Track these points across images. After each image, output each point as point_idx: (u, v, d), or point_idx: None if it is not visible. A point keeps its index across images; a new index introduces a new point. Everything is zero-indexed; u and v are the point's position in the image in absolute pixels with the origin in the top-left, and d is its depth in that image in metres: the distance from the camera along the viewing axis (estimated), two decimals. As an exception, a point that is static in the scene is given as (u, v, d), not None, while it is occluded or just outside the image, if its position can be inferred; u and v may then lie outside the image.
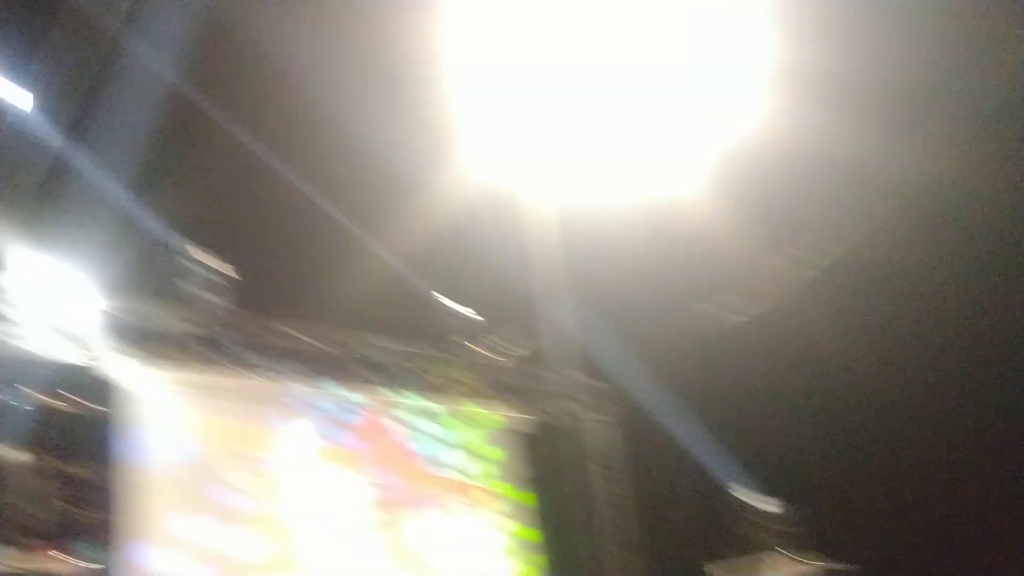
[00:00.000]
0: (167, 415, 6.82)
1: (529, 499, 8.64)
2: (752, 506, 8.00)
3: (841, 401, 8.61)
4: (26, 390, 7.41)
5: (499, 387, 8.82)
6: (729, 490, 8.32)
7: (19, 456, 5.92)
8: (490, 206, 9.48)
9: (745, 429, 8.82)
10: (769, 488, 8.41)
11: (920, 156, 7.55)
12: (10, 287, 6.23)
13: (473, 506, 8.24)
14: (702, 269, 9.29)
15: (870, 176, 8.22)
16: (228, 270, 7.52)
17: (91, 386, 7.28)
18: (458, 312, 8.84)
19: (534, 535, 8.47)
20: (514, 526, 8.43)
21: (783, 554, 7.54)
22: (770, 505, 8.08)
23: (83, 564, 5.15)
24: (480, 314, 9.14)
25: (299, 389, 7.57)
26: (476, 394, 8.66)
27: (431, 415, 8.34)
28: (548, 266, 9.64)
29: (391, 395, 8.11)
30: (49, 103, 8.51)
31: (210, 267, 7.35)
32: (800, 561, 7.62)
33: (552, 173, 8.82)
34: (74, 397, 7.24)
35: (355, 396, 7.89)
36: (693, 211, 9.11)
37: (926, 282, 7.90)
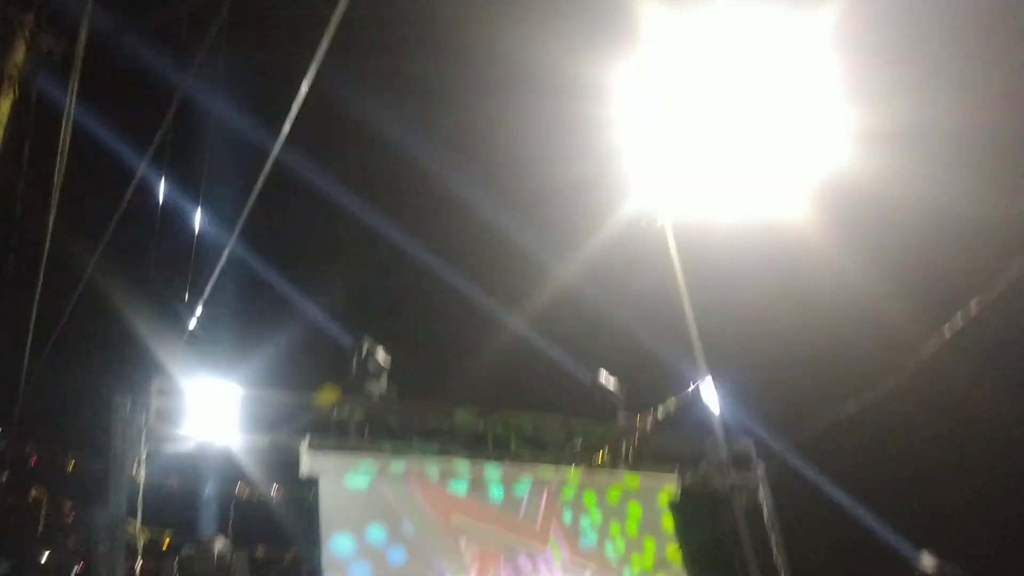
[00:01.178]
0: (350, 500, 7.26)
1: (685, 564, 8.73)
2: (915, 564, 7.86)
3: (994, 457, 8.46)
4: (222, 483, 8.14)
5: (650, 455, 8.99)
6: (885, 545, 8.19)
7: (228, 544, 6.38)
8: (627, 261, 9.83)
9: (895, 488, 8.78)
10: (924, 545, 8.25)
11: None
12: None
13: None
14: (839, 328, 9.35)
15: (995, 231, 8.22)
16: (388, 358, 7.99)
17: (281, 476, 7.91)
18: (607, 382, 9.10)
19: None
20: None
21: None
22: (931, 563, 7.90)
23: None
24: (621, 377, 9.38)
25: (465, 467, 7.92)
26: (630, 463, 8.85)
27: (589, 488, 8.58)
28: (685, 324, 9.92)
29: (551, 471, 8.37)
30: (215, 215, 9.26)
31: (375, 356, 7.83)
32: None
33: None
34: (269, 486, 7.89)
35: (518, 473, 8.18)
36: (825, 264, 9.28)
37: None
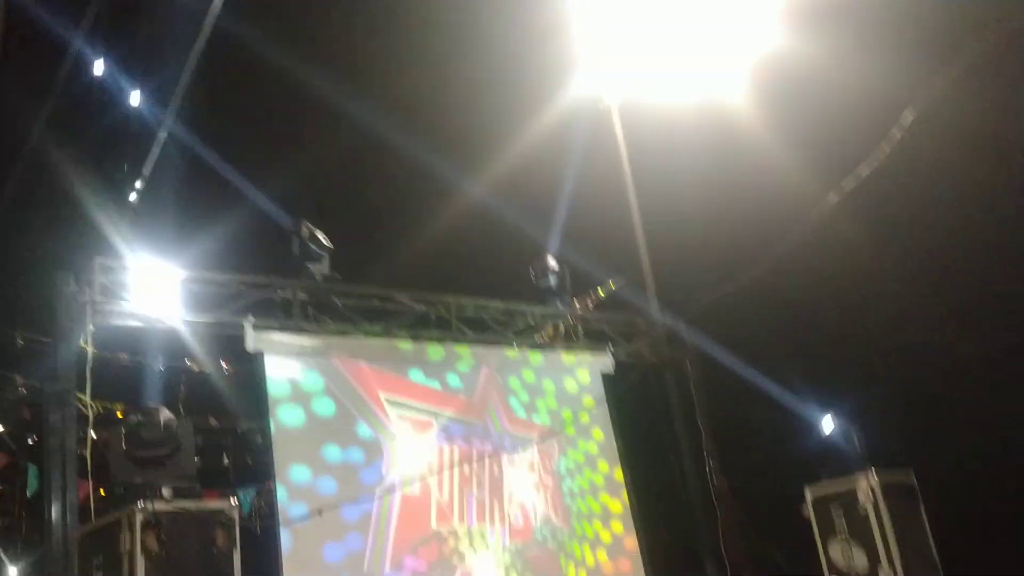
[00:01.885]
0: (289, 374, 7.63)
1: (616, 439, 9.34)
2: (833, 428, 8.47)
3: (890, 313, 8.92)
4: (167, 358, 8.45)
5: (584, 332, 9.46)
6: (808, 417, 8.78)
7: (176, 415, 6.72)
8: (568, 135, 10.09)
9: (811, 355, 9.34)
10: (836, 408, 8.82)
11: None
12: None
13: (564, 448, 8.98)
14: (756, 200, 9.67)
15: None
16: (328, 239, 8.21)
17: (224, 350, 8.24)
18: (546, 265, 9.47)
19: (620, 474, 9.18)
20: (604, 465, 9.15)
21: (872, 471, 8.00)
22: (845, 424, 8.50)
23: (236, 504, 5.92)
24: (561, 260, 9.76)
25: (405, 348, 8.30)
26: (564, 340, 9.32)
27: (524, 364, 9.05)
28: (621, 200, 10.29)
29: (492, 351, 8.80)
30: (154, 91, 9.26)
31: (317, 238, 8.06)
32: (890, 475, 8.06)
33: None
34: (210, 360, 8.22)
35: (456, 351, 8.60)
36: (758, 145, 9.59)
37: (951, 191, 8.21)
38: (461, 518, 7.96)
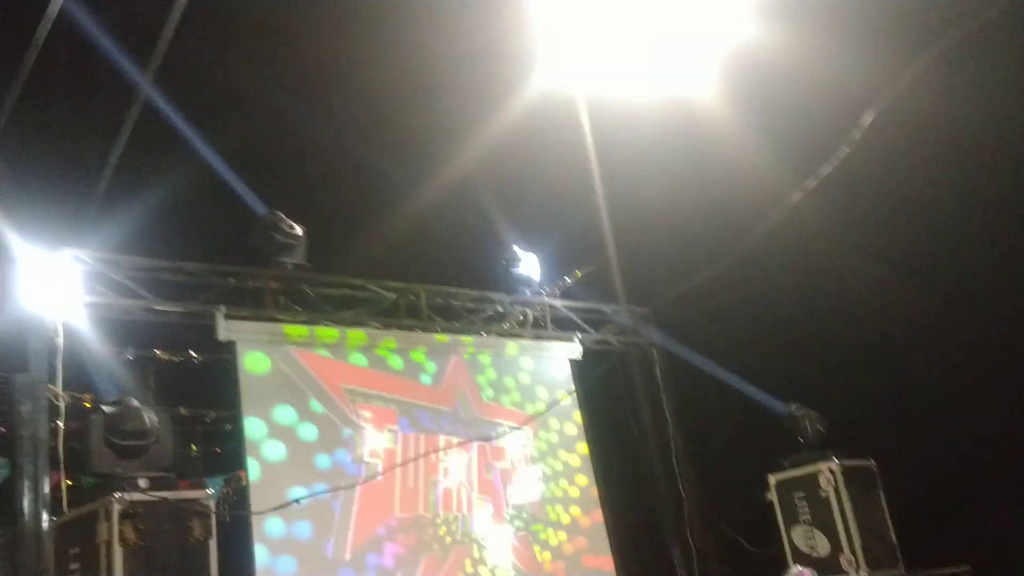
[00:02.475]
0: (262, 363, 7.65)
1: (583, 425, 9.50)
2: (795, 417, 8.68)
3: (854, 304, 9.14)
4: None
5: (552, 320, 9.60)
6: (771, 405, 8.98)
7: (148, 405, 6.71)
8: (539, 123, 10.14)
9: (773, 345, 9.55)
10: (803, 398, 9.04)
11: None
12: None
13: (535, 432, 9.10)
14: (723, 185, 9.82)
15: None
16: (297, 228, 8.20)
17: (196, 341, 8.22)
18: (517, 255, 9.57)
19: (588, 459, 9.34)
20: (573, 451, 9.30)
21: (834, 457, 8.20)
22: (812, 413, 8.72)
23: (211, 493, 5.95)
24: (532, 249, 9.86)
25: (378, 335, 8.36)
26: (533, 328, 9.44)
27: (494, 352, 9.16)
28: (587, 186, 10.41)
29: (461, 339, 8.89)
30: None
31: (288, 226, 8.05)
32: (850, 461, 8.27)
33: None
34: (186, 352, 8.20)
35: (427, 341, 8.67)
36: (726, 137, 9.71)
37: (914, 185, 8.42)
38: (426, 507, 8.03)
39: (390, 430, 8.11)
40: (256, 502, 6.99)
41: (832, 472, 8.12)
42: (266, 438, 7.38)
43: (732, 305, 9.73)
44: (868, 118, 8.16)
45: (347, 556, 7.38)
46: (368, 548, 7.52)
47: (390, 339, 8.45)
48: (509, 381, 9.19)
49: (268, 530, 6.98)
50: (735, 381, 9.01)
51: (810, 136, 8.82)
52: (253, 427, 7.35)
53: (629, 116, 10.47)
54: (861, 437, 8.59)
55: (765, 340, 9.41)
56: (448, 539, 8.02)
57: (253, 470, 7.15)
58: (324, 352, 8.04)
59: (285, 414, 7.57)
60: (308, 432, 7.63)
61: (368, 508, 7.67)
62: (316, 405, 7.76)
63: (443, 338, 8.76)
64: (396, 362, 8.48)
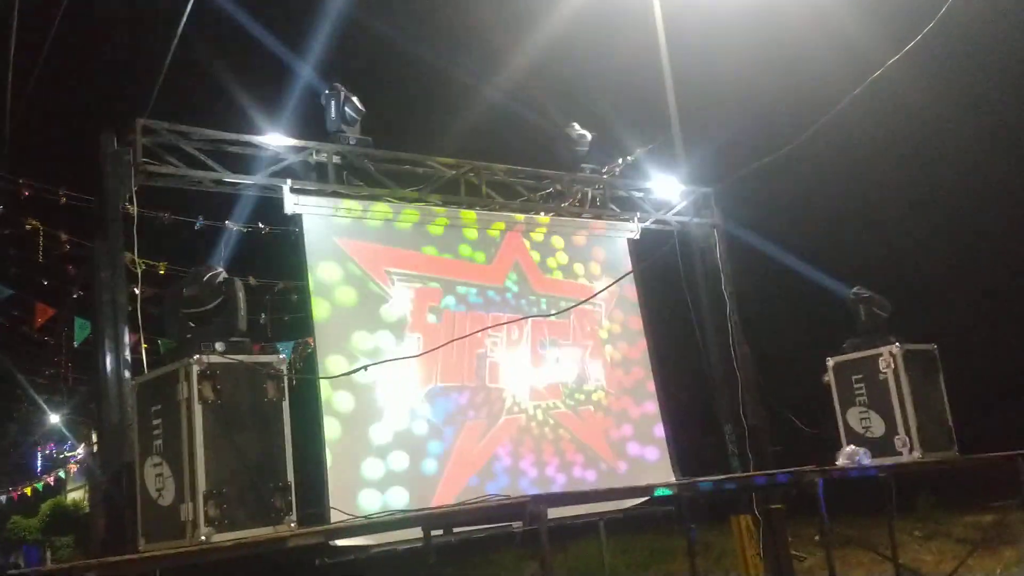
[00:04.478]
0: (328, 236, 7.79)
1: (640, 305, 9.53)
2: (857, 300, 8.59)
3: (920, 194, 8.88)
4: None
5: (612, 199, 9.53)
6: (833, 288, 8.86)
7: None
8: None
9: (839, 228, 9.42)
10: (869, 281, 8.91)
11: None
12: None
13: (591, 307, 9.17)
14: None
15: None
16: (362, 105, 8.18)
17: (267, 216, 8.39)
18: (577, 134, 9.43)
19: (644, 337, 9.41)
20: (627, 327, 9.38)
21: (895, 341, 8.15)
22: (875, 297, 8.62)
23: (283, 357, 6.15)
24: (593, 129, 9.70)
25: (439, 212, 8.41)
26: (593, 207, 9.40)
27: (552, 230, 9.17)
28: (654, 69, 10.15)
29: (520, 218, 8.90)
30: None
31: (351, 103, 8.03)
32: (912, 344, 8.21)
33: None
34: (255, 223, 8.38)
35: (487, 219, 8.70)
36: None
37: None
38: (470, 377, 8.18)
39: (437, 308, 8.21)
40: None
41: (892, 355, 8.09)
42: (338, 284, 7.62)
43: (797, 188, 9.56)
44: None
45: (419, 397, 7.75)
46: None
47: (443, 217, 8.49)
48: (568, 258, 9.22)
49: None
50: (797, 264, 8.91)
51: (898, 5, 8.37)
52: (323, 274, 7.57)
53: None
54: (924, 322, 8.51)
55: (830, 223, 9.27)
56: (496, 407, 8.23)
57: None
58: (377, 226, 8.12)
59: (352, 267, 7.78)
60: (362, 307, 7.81)
61: (410, 380, 7.84)
62: (373, 285, 7.90)
63: (498, 216, 8.77)
64: (449, 240, 8.53)
